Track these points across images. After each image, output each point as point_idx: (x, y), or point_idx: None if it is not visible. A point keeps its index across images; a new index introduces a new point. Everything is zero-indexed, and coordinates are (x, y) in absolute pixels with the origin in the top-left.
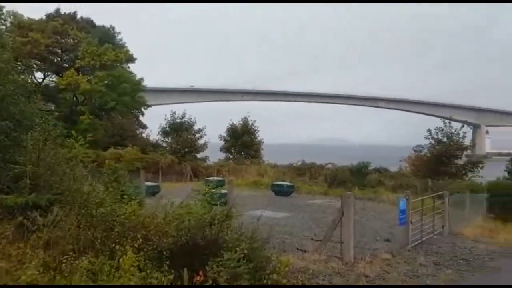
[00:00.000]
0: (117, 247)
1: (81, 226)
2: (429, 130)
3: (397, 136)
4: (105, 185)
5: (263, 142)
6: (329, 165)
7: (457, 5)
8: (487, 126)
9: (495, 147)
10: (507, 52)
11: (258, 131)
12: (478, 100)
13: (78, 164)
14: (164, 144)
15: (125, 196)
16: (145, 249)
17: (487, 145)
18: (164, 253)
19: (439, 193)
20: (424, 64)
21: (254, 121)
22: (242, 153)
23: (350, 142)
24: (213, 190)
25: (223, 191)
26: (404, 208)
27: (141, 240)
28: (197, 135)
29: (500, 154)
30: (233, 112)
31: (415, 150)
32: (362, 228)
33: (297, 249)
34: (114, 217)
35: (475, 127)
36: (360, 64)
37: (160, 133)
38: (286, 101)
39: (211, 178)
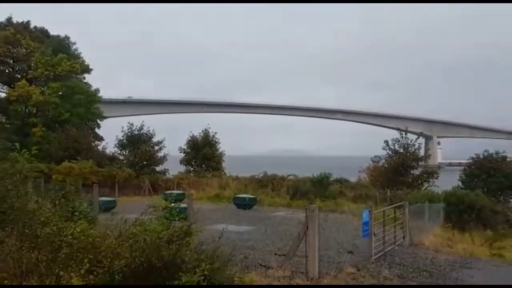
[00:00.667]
0: (61, 273)
1: (24, 247)
2: (386, 141)
3: (355, 147)
4: (53, 202)
5: (224, 154)
6: (291, 177)
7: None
8: (438, 137)
9: (446, 158)
10: (453, 68)
11: (219, 143)
12: (428, 112)
13: (24, 179)
14: (121, 157)
15: (76, 214)
16: (95, 272)
17: (439, 156)
18: (116, 276)
19: (400, 203)
20: (377, 78)
21: (215, 133)
22: (203, 165)
23: (310, 153)
24: (172, 204)
25: (183, 205)
26: (367, 220)
27: (88, 264)
28: (156, 148)
29: (451, 164)
30: (193, 124)
31: (373, 161)
32: (325, 241)
33: (260, 265)
34: (61, 237)
35: (428, 138)
36: (317, 77)
37: (117, 145)
38: (247, 113)
39: (170, 191)
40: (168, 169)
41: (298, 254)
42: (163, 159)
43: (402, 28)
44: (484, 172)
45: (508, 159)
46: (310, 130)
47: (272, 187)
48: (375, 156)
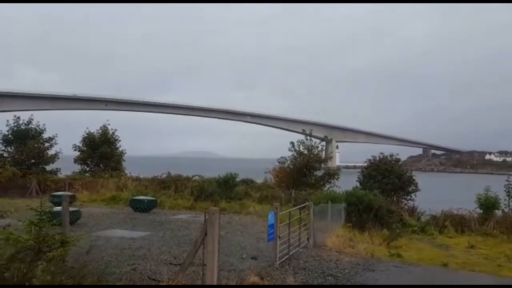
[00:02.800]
0: None
1: None
2: (292, 143)
3: (265, 149)
4: None
5: (125, 153)
6: (196, 177)
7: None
8: (337, 141)
9: (343, 161)
10: (353, 80)
11: (120, 140)
12: (329, 119)
13: None
14: (6, 155)
15: None
16: None
17: (337, 159)
18: None
19: (305, 204)
20: (286, 84)
21: (115, 130)
22: (101, 165)
23: (221, 155)
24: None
25: (56, 208)
26: (273, 222)
27: None
28: (47, 144)
29: (347, 167)
30: (97, 123)
31: (279, 162)
32: (228, 245)
33: (149, 278)
34: None
35: (328, 142)
36: (231, 80)
37: (1, 141)
38: (154, 112)
39: (59, 193)
40: (60, 169)
41: (196, 263)
42: (54, 157)
43: (313, 37)
44: (379, 174)
45: (400, 162)
46: (222, 132)
47: (175, 188)
48: (281, 157)
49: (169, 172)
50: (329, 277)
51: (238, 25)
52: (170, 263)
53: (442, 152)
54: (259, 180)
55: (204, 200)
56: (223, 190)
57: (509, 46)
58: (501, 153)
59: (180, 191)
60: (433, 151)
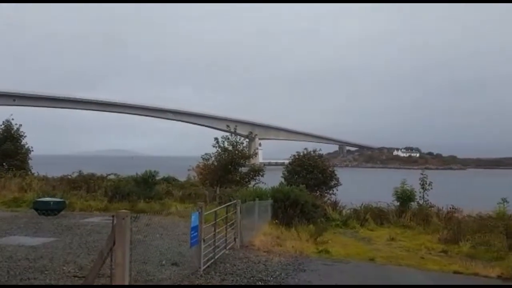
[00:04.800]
0: None
1: None
2: (216, 139)
3: (189, 147)
4: None
5: (31, 150)
6: (112, 176)
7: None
8: (260, 138)
9: (265, 158)
10: (274, 78)
11: (25, 137)
12: (251, 116)
13: None
14: None
15: None
16: None
17: (260, 156)
18: None
19: (232, 202)
20: (210, 81)
21: (20, 125)
22: (4, 163)
23: (140, 153)
24: None
25: None
26: (197, 224)
27: None
28: None
29: (269, 164)
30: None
31: (203, 159)
32: (145, 251)
33: None
34: None
35: (251, 140)
36: (148, 77)
37: None
38: (66, 108)
39: None
40: None
41: (106, 273)
42: None
43: (245, 32)
44: (304, 169)
45: (323, 158)
46: (145, 130)
47: (87, 189)
48: (205, 154)
49: (80, 171)
50: (259, 282)
51: (174, 23)
52: (74, 276)
53: (356, 148)
54: (182, 178)
55: (119, 201)
56: (141, 189)
57: (424, 49)
58: (407, 149)
59: (92, 192)
60: (348, 147)
